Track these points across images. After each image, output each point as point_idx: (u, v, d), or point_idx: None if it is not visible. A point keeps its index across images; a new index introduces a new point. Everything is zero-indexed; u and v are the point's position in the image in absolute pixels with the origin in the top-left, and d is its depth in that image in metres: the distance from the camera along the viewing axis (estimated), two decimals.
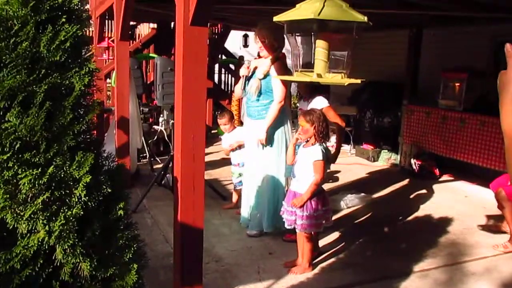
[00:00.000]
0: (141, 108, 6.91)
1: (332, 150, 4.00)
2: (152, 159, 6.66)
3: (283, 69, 3.97)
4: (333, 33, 1.83)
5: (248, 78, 4.09)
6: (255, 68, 4.12)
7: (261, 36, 3.95)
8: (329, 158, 3.66)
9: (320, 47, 1.83)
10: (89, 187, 1.45)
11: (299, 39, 1.93)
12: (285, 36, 2.00)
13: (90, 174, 1.44)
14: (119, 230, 1.54)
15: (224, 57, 11.11)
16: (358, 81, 1.90)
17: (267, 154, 4.10)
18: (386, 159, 7.42)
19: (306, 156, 3.45)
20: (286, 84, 4.02)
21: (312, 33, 1.81)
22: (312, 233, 3.56)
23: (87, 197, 1.45)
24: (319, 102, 3.98)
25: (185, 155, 2.61)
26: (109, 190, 1.50)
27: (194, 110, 2.62)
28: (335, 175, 6.50)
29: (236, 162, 4.81)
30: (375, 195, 5.70)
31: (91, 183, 1.45)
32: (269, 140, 4.08)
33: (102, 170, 1.54)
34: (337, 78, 1.90)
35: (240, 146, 4.70)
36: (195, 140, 2.64)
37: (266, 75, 4.02)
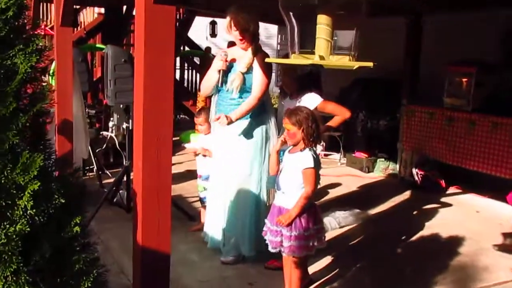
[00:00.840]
0: (87, 110, 6.79)
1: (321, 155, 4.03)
2: (101, 172, 6.59)
3: (266, 63, 3.97)
4: (338, 8, 1.83)
5: (225, 73, 4.07)
6: (232, 60, 4.09)
7: (241, 22, 3.95)
8: (319, 164, 3.66)
9: (323, 24, 1.82)
10: (37, 197, 1.39)
11: (296, 13, 1.91)
12: (280, 9, 1.98)
13: (39, 181, 1.37)
14: (74, 252, 1.47)
15: (187, 49, 11.08)
16: (370, 64, 1.89)
17: (244, 161, 4.07)
18: (383, 169, 7.49)
19: (294, 164, 3.44)
20: (269, 77, 4.01)
21: (314, 7, 1.80)
22: (302, 257, 3.52)
23: (34, 210, 1.39)
24: (312, 99, 3.98)
25: (147, 164, 2.58)
26: (62, 201, 1.44)
27: (159, 108, 2.61)
28: (324, 189, 6.51)
29: (201, 173, 4.79)
30: (372, 212, 5.74)
31: (39, 192, 1.38)
32: (246, 144, 4.04)
33: (53, 175, 1.47)
34: (344, 61, 1.89)
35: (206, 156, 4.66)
36: (160, 145, 2.62)
37: (249, 69, 4.01)
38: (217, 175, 4.26)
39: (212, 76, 4.12)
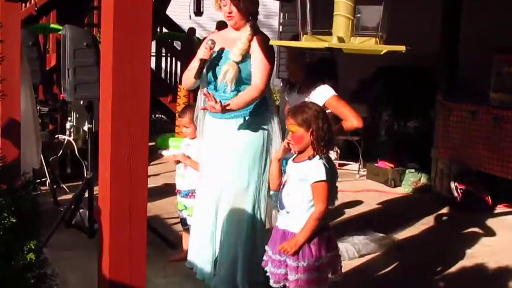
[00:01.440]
0: (38, 108, 6.79)
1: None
2: (56, 186, 6.57)
3: (268, 46, 3.97)
4: None
5: (210, 63, 4.07)
6: (221, 48, 4.11)
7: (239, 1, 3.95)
8: (335, 175, 3.66)
9: None
10: None
11: None
12: None
13: None
14: (28, 285, 1.47)
15: (165, 30, 11.10)
16: (402, 48, 1.91)
17: (240, 171, 4.07)
18: (413, 183, 7.50)
19: (300, 176, 3.45)
20: (272, 64, 4.02)
21: None
22: None
23: None
24: (322, 93, 3.99)
25: (117, 175, 2.60)
26: (13, 221, 1.44)
27: (132, 105, 2.64)
28: (339, 208, 6.51)
29: (181, 187, 4.80)
30: (399, 236, 5.74)
31: None
32: (243, 149, 4.04)
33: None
34: (370, 44, 1.91)
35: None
36: (133, 152, 2.64)
37: (245, 56, 4.02)
38: (205, 188, 4.26)
39: (196, 66, 4.14)
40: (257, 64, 4.01)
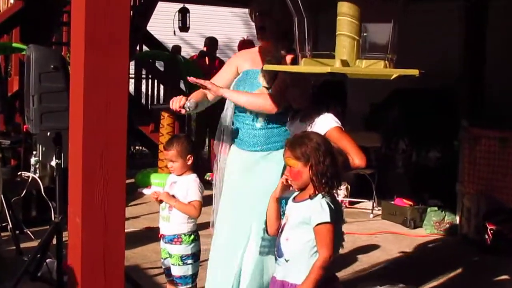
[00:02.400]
0: None
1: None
2: (18, 231, 6.53)
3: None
4: None
5: (236, 86, 4.13)
6: (243, 68, 4.18)
7: (265, 4, 4.03)
8: (341, 217, 3.65)
9: (346, 15, 1.84)
10: None
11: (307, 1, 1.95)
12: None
13: None
14: None
15: (145, 49, 11.13)
16: (415, 72, 1.92)
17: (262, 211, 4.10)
18: (436, 223, 7.47)
19: (301, 217, 3.44)
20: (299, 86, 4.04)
21: None
22: None
23: None
24: (324, 123, 3.99)
25: (89, 219, 2.62)
26: None
27: (106, 136, 2.63)
28: (349, 253, 6.50)
29: (164, 231, 4.78)
30: (421, 287, 5.70)
31: None
32: (265, 190, 4.00)
33: None
34: (377, 68, 1.92)
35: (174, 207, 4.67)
36: (108, 191, 2.64)
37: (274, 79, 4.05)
38: (228, 223, 4.32)
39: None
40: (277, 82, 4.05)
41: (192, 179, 4.71)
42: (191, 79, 3.96)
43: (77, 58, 2.63)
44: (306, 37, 2.03)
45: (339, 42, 1.95)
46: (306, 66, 2.07)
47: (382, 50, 2.00)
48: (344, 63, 1.94)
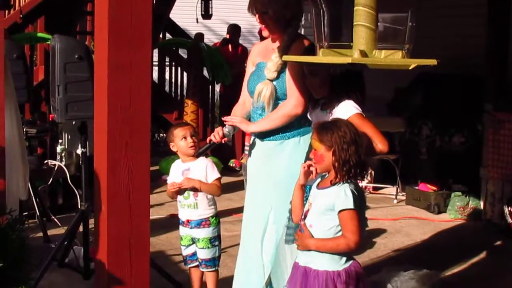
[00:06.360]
0: (25, 129, 6.83)
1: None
2: (46, 219, 6.57)
3: (306, 54, 3.95)
4: None
5: (251, 79, 4.19)
6: (256, 61, 4.20)
7: (259, 3, 4.02)
8: (364, 205, 3.66)
9: (363, 5, 1.85)
10: None
11: None
12: None
13: None
14: None
15: (169, 37, 11.12)
16: (433, 62, 1.93)
17: (280, 199, 4.16)
18: (460, 208, 7.44)
19: (325, 204, 3.45)
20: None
21: None
22: None
23: None
24: (344, 110, 4.00)
25: (115, 206, 2.63)
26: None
27: (130, 125, 2.62)
28: (374, 239, 6.51)
29: (184, 217, 4.80)
30: (445, 272, 5.69)
31: None
32: (283, 177, 4.11)
33: None
34: (395, 58, 1.93)
35: (193, 189, 4.69)
36: (133, 179, 2.65)
37: (281, 72, 4.05)
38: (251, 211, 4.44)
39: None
40: (290, 77, 4.05)
41: (205, 160, 4.78)
42: (227, 120, 4.17)
43: (101, 47, 2.62)
44: (323, 29, 2.04)
45: (356, 33, 1.95)
46: (326, 56, 2.07)
47: (399, 40, 2.00)
48: (363, 53, 1.94)
